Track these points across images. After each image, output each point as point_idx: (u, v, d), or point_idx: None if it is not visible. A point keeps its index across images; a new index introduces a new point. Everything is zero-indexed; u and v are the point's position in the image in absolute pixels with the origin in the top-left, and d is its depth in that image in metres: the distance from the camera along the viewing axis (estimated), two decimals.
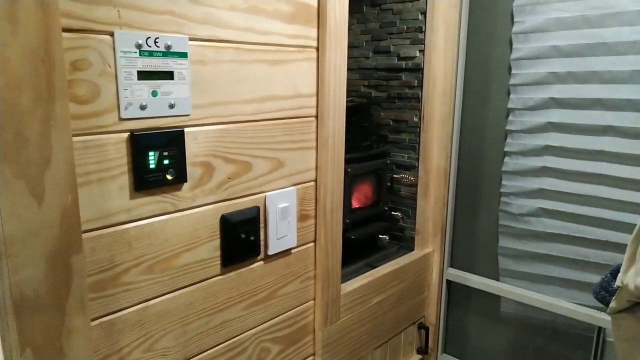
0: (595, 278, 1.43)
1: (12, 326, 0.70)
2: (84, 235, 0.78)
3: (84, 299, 0.77)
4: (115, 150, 0.80)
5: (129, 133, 0.81)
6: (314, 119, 1.14)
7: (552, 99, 1.43)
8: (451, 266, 1.73)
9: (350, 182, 1.50)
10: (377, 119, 1.75)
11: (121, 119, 0.80)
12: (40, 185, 0.69)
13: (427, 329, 1.70)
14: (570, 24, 1.37)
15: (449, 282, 1.73)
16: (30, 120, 0.67)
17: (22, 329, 0.71)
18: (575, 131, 1.41)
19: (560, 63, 1.41)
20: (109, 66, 0.77)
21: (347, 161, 1.25)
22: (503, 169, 1.56)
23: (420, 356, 1.72)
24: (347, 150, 1.23)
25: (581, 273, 1.47)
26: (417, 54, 1.62)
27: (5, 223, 0.67)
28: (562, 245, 1.49)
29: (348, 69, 1.18)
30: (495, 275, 1.64)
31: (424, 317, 1.72)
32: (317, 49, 1.11)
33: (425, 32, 1.58)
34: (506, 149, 1.55)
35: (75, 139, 0.74)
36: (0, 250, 0.67)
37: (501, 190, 1.58)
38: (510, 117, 1.52)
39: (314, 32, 1.10)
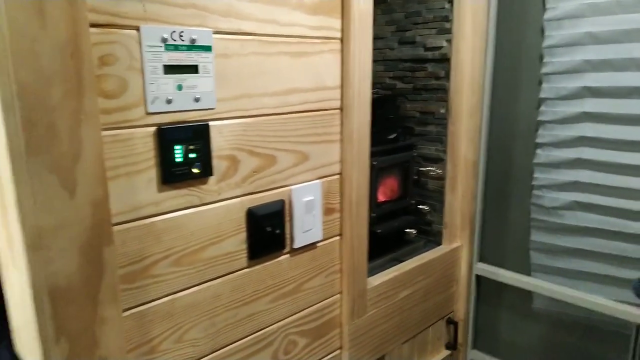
0: (633, 274, 1.38)
1: (48, 316, 0.72)
2: (115, 228, 0.80)
3: (116, 290, 0.79)
4: (143, 144, 0.81)
5: (156, 127, 0.82)
6: (338, 111, 1.14)
7: (587, 87, 1.39)
8: (480, 261, 1.70)
9: (376, 175, 1.48)
10: (402, 111, 1.73)
11: (148, 113, 0.81)
12: (71, 178, 0.71)
13: (456, 324, 1.68)
14: (605, 9, 1.32)
15: (478, 276, 1.70)
16: (60, 114, 0.68)
17: (57, 319, 0.73)
18: (612, 121, 1.36)
19: (595, 50, 1.36)
20: (136, 61, 0.78)
21: (373, 154, 1.24)
22: (535, 160, 1.52)
23: (449, 351, 1.70)
24: (373, 143, 1.22)
25: (618, 268, 1.42)
26: (444, 44, 1.59)
27: (39, 216, 0.69)
28: (598, 239, 1.44)
29: (373, 61, 1.16)
30: (526, 270, 1.60)
31: (452, 312, 1.69)
32: (342, 40, 1.10)
33: (452, 21, 1.55)
34: (538, 140, 1.51)
35: (103, 133, 0.76)
36: (35, 242, 0.69)
37: (533, 183, 1.54)
38: (542, 107, 1.48)
39: (337, 23, 1.09)
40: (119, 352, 0.81)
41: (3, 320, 0.93)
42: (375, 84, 1.74)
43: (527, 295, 1.63)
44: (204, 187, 0.91)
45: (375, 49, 1.17)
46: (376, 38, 1.68)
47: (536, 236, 1.56)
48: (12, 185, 0.67)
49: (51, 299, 0.72)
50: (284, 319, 1.12)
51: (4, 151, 0.67)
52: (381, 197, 1.57)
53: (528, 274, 1.60)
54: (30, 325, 0.73)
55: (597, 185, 1.41)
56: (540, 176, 1.52)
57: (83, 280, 0.75)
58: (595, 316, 1.49)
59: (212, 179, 0.92)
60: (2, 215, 0.75)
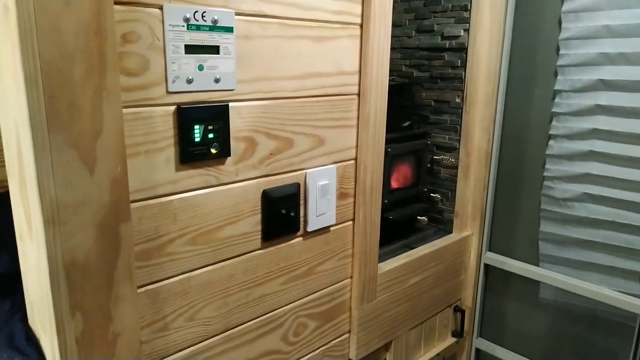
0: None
1: (64, 291, 0.73)
2: (132, 205, 0.80)
3: (131, 267, 0.80)
4: (162, 122, 0.82)
5: (176, 106, 0.83)
6: (355, 96, 1.14)
7: (602, 80, 1.38)
8: (489, 250, 1.71)
9: (390, 162, 1.49)
10: (418, 99, 1.73)
11: (168, 92, 0.81)
12: (92, 154, 0.71)
13: (463, 312, 1.69)
14: (623, 2, 1.32)
15: (486, 265, 1.71)
16: (83, 91, 0.69)
17: (73, 294, 0.74)
18: (625, 114, 1.36)
19: (612, 43, 1.35)
20: (158, 39, 0.78)
21: (388, 141, 1.24)
22: (547, 152, 1.52)
23: (455, 339, 1.71)
24: (388, 130, 1.22)
25: (625, 260, 1.43)
26: (462, 33, 1.58)
27: (58, 190, 0.70)
28: (607, 231, 1.44)
29: (390, 48, 1.16)
30: (535, 261, 1.61)
31: (460, 300, 1.71)
32: (361, 26, 1.10)
33: (470, 10, 1.54)
34: (551, 131, 1.50)
35: (124, 110, 0.76)
36: (54, 216, 0.70)
37: (544, 174, 1.54)
38: (557, 99, 1.48)
39: (358, 9, 1.08)
40: (132, 329, 0.82)
41: (18, 293, 0.94)
42: (392, 71, 1.73)
43: (534, 285, 1.64)
44: (221, 167, 0.92)
45: (393, 36, 1.16)
46: (394, 26, 1.67)
47: (545, 227, 1.56)
48: (33, 160, 0.67)
49: (67, 274, 0.73)
50: (294, 302, 1.13)
51: (25, 126, 0.67)
52: (394, 184, 1.57)
53: (536, 264, 1.60)
54: (45, 299, 0.75)
55: (608, 177, 1.42)
56: (552, 167, 1.52)
57: (99, 256, 0.76)
58: (601, 307, 1.50)
59: (229, 160, 0.92)
60: (21, 189, 0.76)
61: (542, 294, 1.64)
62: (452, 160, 1.67)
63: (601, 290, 1.46)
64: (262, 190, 0.99)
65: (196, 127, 0.85)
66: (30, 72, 0.65)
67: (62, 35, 0.66)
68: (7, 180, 0.83)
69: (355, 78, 1.12)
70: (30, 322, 0.91)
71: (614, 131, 1.38)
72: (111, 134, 0.73)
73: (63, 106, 0.68)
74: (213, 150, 0.88)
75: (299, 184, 1.06)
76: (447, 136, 1.67)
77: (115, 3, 0.72)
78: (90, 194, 0.73)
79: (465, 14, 1.56)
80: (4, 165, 0.83)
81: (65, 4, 0.65)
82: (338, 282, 1.22)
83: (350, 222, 1.21)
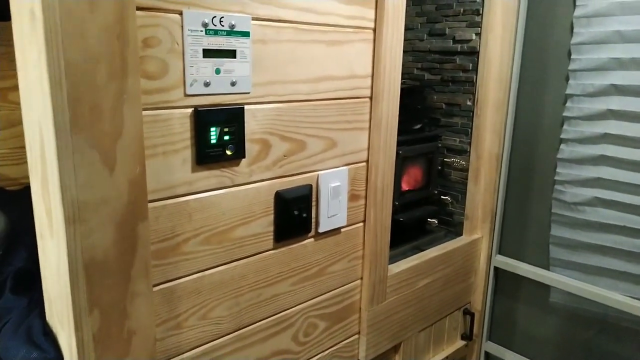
0: None
1: (82, 287, 0.75)
2: (150, 205, 0.82)
3: (148, 265, 0.81)
4: (180, 124, 0.84)
5: (193, 109, 0.84)
6: (368, 100, 1.15)
7: (614, 85, 1.38)
8: (500, 253, 1.71)
9: (400, 164, 1.50)
10: (429, 102, 1.73)
11: (186, 95, 0.83)
12: (112, 155, 0.73)
13: (472, 315, 1.69)
14: (635, 8, 1.32)
15: (496, 269, 1.71)
16: (105, 94, 0.71)
17: (91, 291, 0.75)
18: (637, 119, 1.36)
19: (623, 49, 1.35)
20: (177, 44, 0.80)
21: (399, 143, 1.25)
22: (558, 156, 1.52)
23: (464, 342, 1.71)
24: (399, 132, 1.23)
25: (637, 266, 1.42)
26: (473, 37, 1.59)
27: (79, 190, 0.71)
28: (618, 236, 1.44)
29: (402, 51, 1.17)
30: (545, 265, 1.60)
31: (469, 303, 1.71)
32: (374, 30, 1.11)
33: (482, 14, 1.55)
34: (562, 135, 1.50)
35: (144, 112, 0.78)
36: (74, 215, 0.72)
37: (555, 178, 1.54)
38: (568, 104, 1.48)
39: (371, 13, 1.10)
40: (147, 326, 0.84)
41: (35, 290, 0.96)
42: (404, 74, 1.73)
43: (544, 289, 1.63)
44: (236, 168, 0.93)
45: (404, 39, 1.18)
46: (406, 29, 1.68)
47: (556, 231, 1.56)
48: (55, 160, 0.69)
49: (86, 271, 0.74)
50: (305, 302, 1.14)
51: (50, 126, 0.69)
52: (405, 186, 1.58)
53: (547, 268, 1.60)
54: (64, 295, 0.76)
55: (620, 182, 1.41)
56: (563, 171, 1.52)
57: (117, 254, 0.77)
58: (612, 312, 1.49)
59: (244, 161, 0.94)
60: (42, 187, 0.77)
61: (552, 298, 1.63)
62: (463, 163, 1.67)
63: (612, 295, 1.45)
64: (275, 192, 1.01)
65: (212, 129, 0.86)
66: (55, 75, 0.66)
67: (87, 39, 0.68)
68: (21, 178, 0.85)
69: (368, 81, 1.13)
70: (48, 318, 0.92)
71: (626, 136, 1.38)
72: (131, 135, 0.75)
73: (86, 108, 0.69)
74: (228, 152, 0.90)
75: (311, 186, 1.07)
76: (458, 139, 1.68)
77: (138, 9, 0.74)
78: (110, 194, 0.74)
79: (477, 18, 1.57)
80: (20, 164, 0.85)
81: (90, 10, 0.67)
82: (348, 283, 1.23)
83: (361, 224, 1.22)
